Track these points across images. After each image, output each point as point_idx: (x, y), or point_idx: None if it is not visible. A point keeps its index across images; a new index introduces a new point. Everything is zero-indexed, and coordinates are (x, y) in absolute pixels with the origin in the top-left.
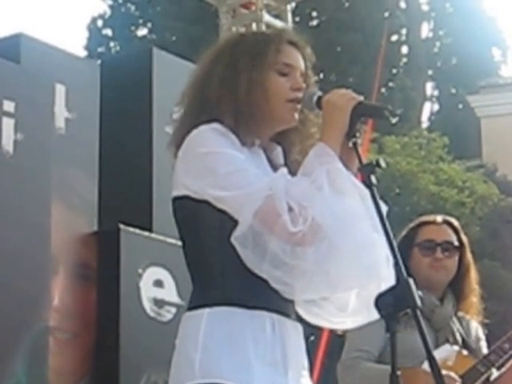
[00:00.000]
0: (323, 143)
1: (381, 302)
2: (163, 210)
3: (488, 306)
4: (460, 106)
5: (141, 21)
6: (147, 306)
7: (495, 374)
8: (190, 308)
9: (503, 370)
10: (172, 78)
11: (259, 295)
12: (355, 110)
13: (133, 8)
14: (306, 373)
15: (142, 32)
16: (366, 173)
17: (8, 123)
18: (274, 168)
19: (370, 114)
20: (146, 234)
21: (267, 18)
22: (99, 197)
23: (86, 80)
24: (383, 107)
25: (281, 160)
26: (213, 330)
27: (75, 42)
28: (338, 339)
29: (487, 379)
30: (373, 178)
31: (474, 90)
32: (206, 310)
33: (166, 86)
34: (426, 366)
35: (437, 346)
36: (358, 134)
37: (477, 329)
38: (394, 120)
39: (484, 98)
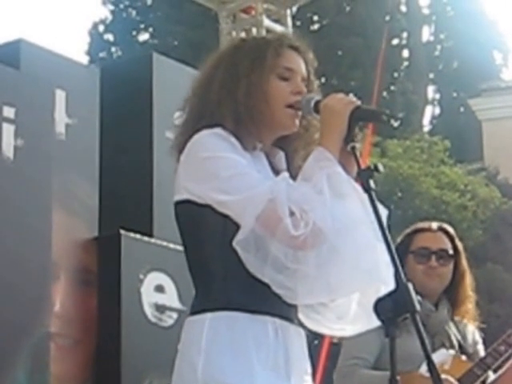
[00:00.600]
0: (322, 148)
1: (380, 306)
2: (164, 215)
3: (490, 308)
4: (461, 109)
5: (142, 26)
6: (148, 311)
7: (492, 376)
8: (193, 313)
9: (500, 372)
10: (172, 83)
11: (262, 300)
12: (353, 114)
13: (134, 13)
14: (308, 378)
15: (144, 37)
16: (364, 177)
17: (8, 129)
18: (276, 173)
19: (368, 118)
20: (147, 239)
21: (267, 22)
22: (100, 202)
23: (86, 85)
24: (381, 111)
25: (283, 165)
26: (215, 335)
27: (77, 48)
28: (339, 344)
29: (483, 382)
30: (371, 183)
31: (476, 94)
32: (209, 315)
33: (166, 91)
34: (422, 369)
35: (433, 350)
36: (356, 139)
37: (473, 333)
38: (394, 123)
39: (485, 101)
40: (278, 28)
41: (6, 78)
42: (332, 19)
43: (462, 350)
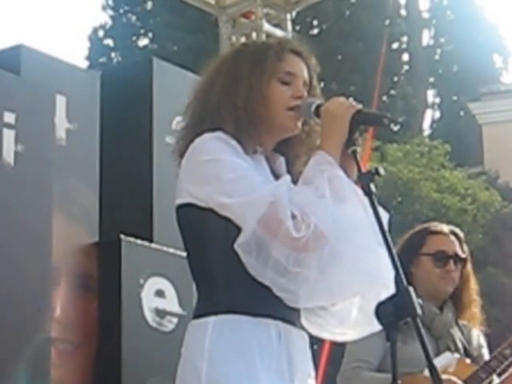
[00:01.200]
0: (323, 151)
1: (381, 310)
2: (164, 220)
3: (491, 313)
4: (461, 113)
5: (142, 31)
6: (149, 316)
7: (496, 380)
8: (196, 316)
9: (504, 376)
10: (172, 87)
11: (264, 303)
12: (354, 118)
13: (134, 18)
14: (312, 381)
15: (143, 42)
16: (365, 181)
17: (9, 134)
18: (276, 178)
19: (369, 122)
20: (147, 244)
21: (267, 27)
22: (100, 207)
23: (86, 90)
24: (382, 115)
25: (283, 171)
26: (219, 339)
27: (77, 53)
28: (340, 348)
29: None
30: (372, 187)
31: (476, 97)
32: (212, 318)
33: (166, 96)
34: (426, 372)
35: (438, 353)
36: (357, 143)
37: (478, 336)
38: (394, 127)
39: (485, 104)
40: (278, 32)
41: (6, 84)
42: (332, 24)
43: (466, 353)
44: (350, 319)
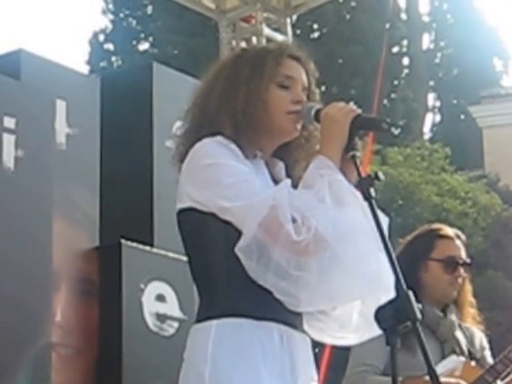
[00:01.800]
0: (323, 156)
1: (381, 314)
2: (164, 225)
3: (492, 316)
4: (462, 116)
5: (142, 35)
6: (149, 320)
7: None
8: (198, 320)
9: (507, 379)
10: (172, 92)
11: (266, 306)
12: (354, 122)
13: (134, 22)
14: None
15: (144, 46)
16: (364, 186)
17: (9, 139)
18: (276, 182)
19: (369, 126)
20: (148, 248)
21: (267, 31)
22: (100, 212)
23: (86, 95)
24: (381, 119)
25: (283, 176)
26: (221, 342)
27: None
28: (341, 352)
29: None
30: (372, 191)
31: (476, 101)
32: (214, 322)
33: (166, 101)
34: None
35: (443, 357)
36: (357, 147)
37: (481, 338)
38: (395, 131)
39: (486, 108)
40: (278, 37)
41: (6, 89)
42: (332, 27)
43: (471, 355)
44: (351, 323)
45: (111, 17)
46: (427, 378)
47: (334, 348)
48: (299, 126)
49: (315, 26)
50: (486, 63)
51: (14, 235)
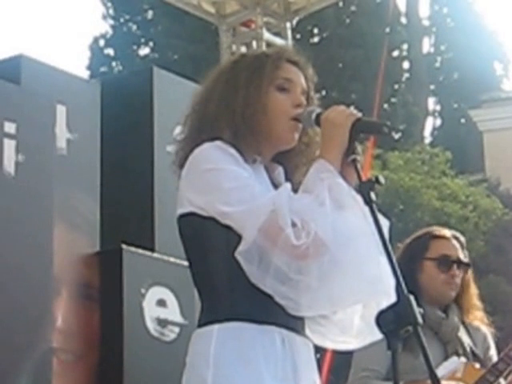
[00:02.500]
0: (323, 160)
1: (382, 319)
2: (165, 230)
3: (493, 321)
4: (462, 120)
5: (142, 40)
6: (150, 325)
7: (503, 382)
8: (200, 325)
9: (510, 378)
10: (173, 97)
11: (267, 310)
12: (354, 126)
13: (134, 27)
14: None
15: (144, 51)
16: (365, 190)
17: (9, 144)
18: (276, 187)
19: (369, 130)
20: (149, 253)
21: (267, 35)
22: (101, 216)
23: (86, 100)
24: (382, 123)
25: (282, 180)
26: (223, 346)
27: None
28: (342, 355)
29: None
30: (372, 195)
31: (476, 105)
32: (216, 326)
33: (166, 106)
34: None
35: (446, 358)
36: (357, 151)
37: (485, 337)
38: (395, 135)
39: (486, 112)
40: (278, 41)
41: (6, 94)
42: (332, 31)
43: (474, 356)
44: (353, 328)
45: (111, 22)
46: (429, 382)
47: (336, 352)
48: (297, 136)
49: (315, 31)
50: (487, 67)
51: (15, 240)
